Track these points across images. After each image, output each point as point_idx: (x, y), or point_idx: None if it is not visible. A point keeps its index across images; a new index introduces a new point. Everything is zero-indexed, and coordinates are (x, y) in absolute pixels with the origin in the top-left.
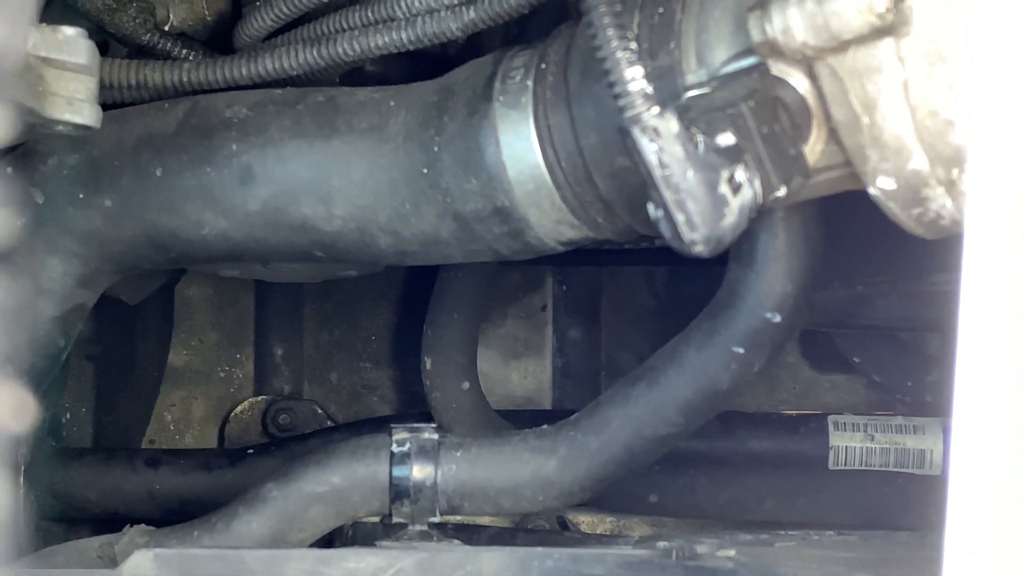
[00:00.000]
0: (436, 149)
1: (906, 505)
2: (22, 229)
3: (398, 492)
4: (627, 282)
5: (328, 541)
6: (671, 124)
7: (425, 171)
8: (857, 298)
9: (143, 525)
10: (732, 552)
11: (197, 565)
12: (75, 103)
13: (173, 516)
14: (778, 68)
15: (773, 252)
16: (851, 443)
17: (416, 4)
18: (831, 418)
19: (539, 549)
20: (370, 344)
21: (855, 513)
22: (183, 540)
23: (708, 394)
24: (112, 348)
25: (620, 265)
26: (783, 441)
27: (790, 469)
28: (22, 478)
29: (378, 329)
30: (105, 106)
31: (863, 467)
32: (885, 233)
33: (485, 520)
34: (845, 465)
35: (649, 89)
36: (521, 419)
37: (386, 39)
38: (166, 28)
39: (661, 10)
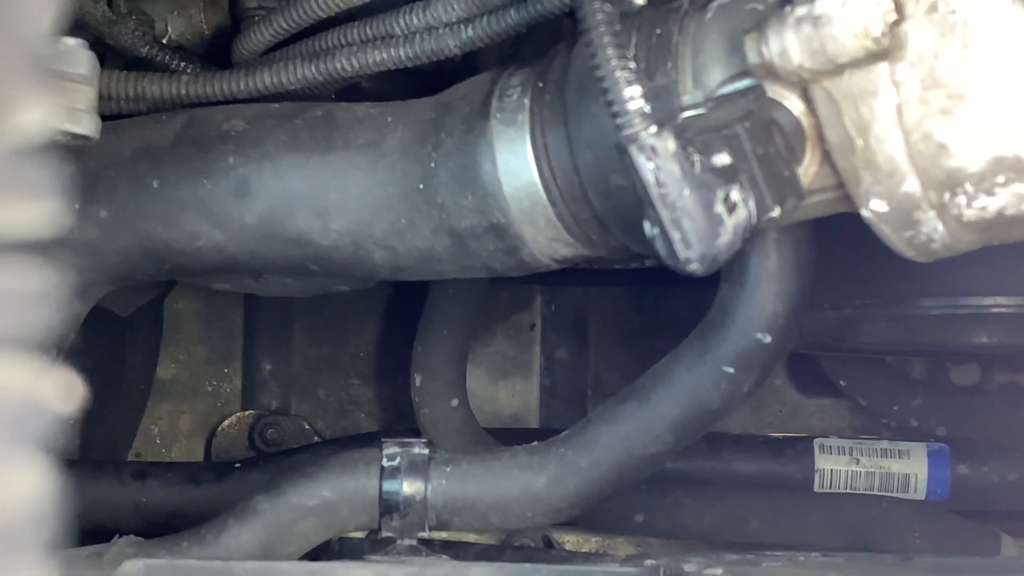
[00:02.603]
0: (432, 165)
1: (891, 529)
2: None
3: (387, 506)
4: (615, 303)
5: (314, 556)
6: (668, 143)
7: (421, 187)
8: (845, 321)
9: (132, 536)
10: (719, 571)
11: None
12: (74, 113)
13: (159, 529)
14: (773, 90)
15: (765, 273)
16: (836, 466)
17: (414, 22)
18: (817, 441)
19: (527, 565)
20: (358, 360)
21: (840, 536)
22: (172, 551)
23: (698, 413)
24: (100, 360)
25: (608, 286)
26: (769, 463)
27: (776, 491)
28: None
29: (366, 346)
30: (103, 117)
31: (848, 490)
32: (875, 257)
33: (471, 537)
34: (830, 488)
35: (647, 108)
36: (509, 437)
37: (384, 56)
38: (164, 41)
39: (658, 31)
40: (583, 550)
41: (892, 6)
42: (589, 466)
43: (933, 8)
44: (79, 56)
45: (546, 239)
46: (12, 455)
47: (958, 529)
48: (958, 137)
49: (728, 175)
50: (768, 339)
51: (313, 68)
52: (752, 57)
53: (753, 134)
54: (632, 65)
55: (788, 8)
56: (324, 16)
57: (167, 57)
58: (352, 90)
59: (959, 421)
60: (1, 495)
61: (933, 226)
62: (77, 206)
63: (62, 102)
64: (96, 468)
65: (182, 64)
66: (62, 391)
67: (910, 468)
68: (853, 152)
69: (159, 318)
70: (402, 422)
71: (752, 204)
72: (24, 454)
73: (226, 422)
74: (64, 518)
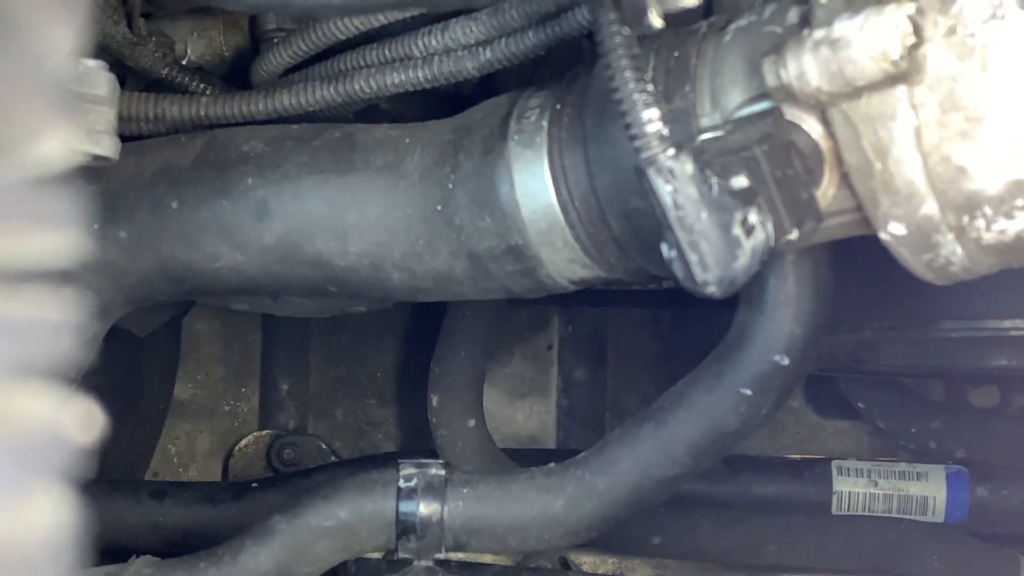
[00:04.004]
0: (451, 187)
1: (909, 552)
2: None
3: (404, 528)
4: (633, 324)
5: None
6: (686, 166)
7: (439, 209)
8: (864, 344)
9: (148, 556)
10: None
11: None
12: (94, 134)
13: (176, 549)
14: (792, 113)
15: (783, 295)
16: (854, 488)
17: (433, 43)
18: (834, 463)
19: None
20: (375, 381)
21: (858, 559)
22: (189, 572)
23: (716, 436)
24: (118, 380)
25: (626, 307)
26: (787, 485)
27: (793, 513)
28: None
29: (383, 366)
30: (123, 138)
31: (866, 513)
32: (893, 279)
33: (488, 558)
34: (848, 510)
35: (665, 131)
36: (526, 458)
37: (403, 77)
38: (184, 62)
39: (676, 54)
40: (600, 572)
41: (910, 29)
42: (607, 488)
43: (952, 31)
44: (99, 77)
45: (564, 261)
46: (33, 485)
47: (977, 552)
48: (977, 160)
49: (746, 198)
50: (786, 362)
51: (332, 89)
52: (770, 80)
53: (771, 157)
54: (650, 87)
55: (806, 31)
56: (343, 38)
57: (187, 78)
58: (371, 112)
59: (978, 443)
60: (21, 526)
61: (952, 249)
62: (97, 227)
63: (82, 123)
64: (114, 487)
65: (202, 85)
66: (82, 421)
67: (928, 491)
68: (871, 175)
69: (177, 338)
70: (419, 442)
71: (770, 227)
72: (44, 484)
73: (243, 442)
74: (83, 547)
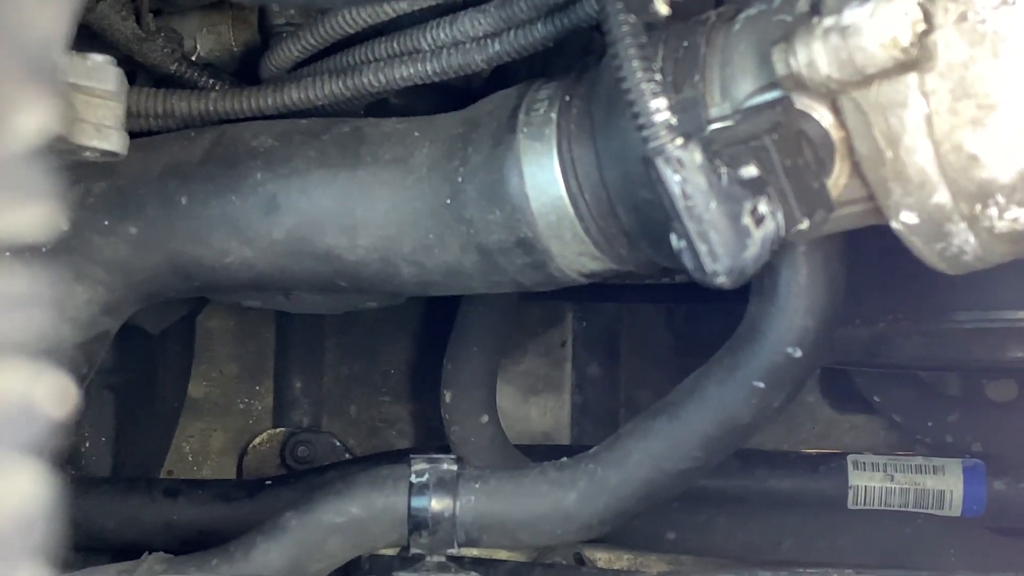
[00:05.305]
0: (460, 180)
1: (926, 547)
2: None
3: (416, 523)
4: (646, 320)
5: (344, 574)
6: (695, 155)
7: (449, 202)
8: (878, 336)
9: (161, 553)
10: None
11: None
12: (103, 130)
13: (190, 547)
14: (802, 102)
15: (795, 287)
16: (870, 483)
17: (441, 36)
18: (850, 457)
19: None
20: (389, 378)
21: (874, 553)
22: (201, 568)
23: (728, 429)
24: (133, 378)
25: (640, 302)
26: (802, 480)
27: (809, 508)
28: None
29: (397, 363)
30: (132, 134)
31: (882, 507)
32: (907, 271)
33: (502, 554)
34: (864, 505)
35: (673, 120)
36: (539, 454)
37: (411, 71)
38: (193, 58)
39: (686, 44)
40: (615, 567)
41: (921, 16)
42: (619, 483)
43: (962, 18)
44: (107, 73)
45: (574, 254)
46: (3, 460)
47: (994, 547)
48: (989, 148)
49: (756, 187)
50: (799, 354)
51: (341, 84)
52: (780, 68)
53: (781, 146)
54: (658, 77)
55: (816, 19)
56: (351, 32)
57: (196, 74)
58: (381, 106)
59: (995, 437)
60: None
61: (964, 238)
62: (107, 223)
63: (90, 119)
64: (128, 486)
65: (211, 81)
66: (55, 395)
67: (945, 484)
68: (883, 163)
69: (191, 336)
70: (433, 439)
71: (780, 216)
72: (16, 459)
73: (257, 440)
74: (60, 522)
